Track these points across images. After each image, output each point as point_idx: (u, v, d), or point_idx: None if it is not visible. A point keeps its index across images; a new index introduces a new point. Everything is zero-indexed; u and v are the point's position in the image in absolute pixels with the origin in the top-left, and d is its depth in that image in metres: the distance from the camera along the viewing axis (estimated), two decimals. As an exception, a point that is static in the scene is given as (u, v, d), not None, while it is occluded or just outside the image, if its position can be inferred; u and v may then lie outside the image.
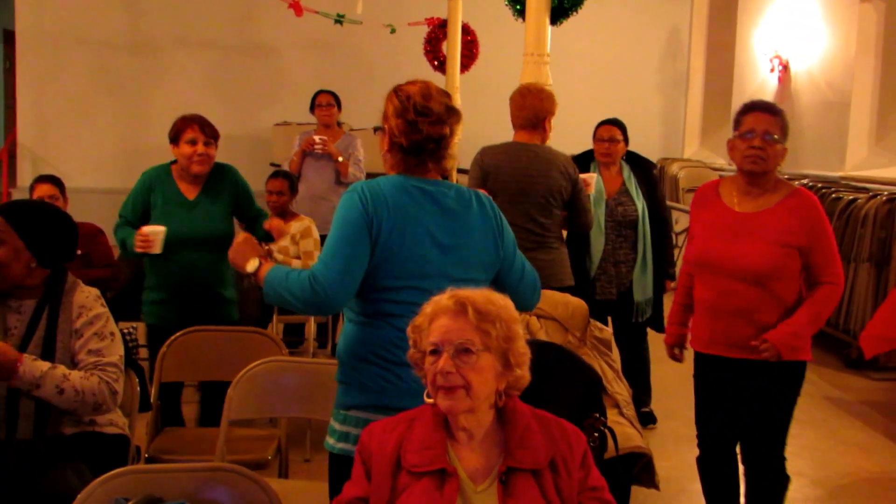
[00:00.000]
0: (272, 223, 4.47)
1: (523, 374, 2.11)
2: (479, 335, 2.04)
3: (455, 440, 2.09)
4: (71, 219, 3.26)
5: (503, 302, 2.13)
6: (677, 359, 3.68)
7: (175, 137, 4.25)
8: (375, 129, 2.59)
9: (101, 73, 11.19)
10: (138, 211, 4.27)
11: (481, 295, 2.11)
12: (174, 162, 4.35)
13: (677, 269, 4.94)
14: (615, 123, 5.20)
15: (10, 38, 12.15)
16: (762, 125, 3.28)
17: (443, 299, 2.11)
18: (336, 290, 2.45)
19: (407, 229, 2.55)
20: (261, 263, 2.62)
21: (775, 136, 3.28)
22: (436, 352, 2.05)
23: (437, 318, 2.08)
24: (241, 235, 2.78)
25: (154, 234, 4.07)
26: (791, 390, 3.38)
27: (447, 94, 2.69)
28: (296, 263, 5.59)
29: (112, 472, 2.39)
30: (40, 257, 3.04)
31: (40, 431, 2.94)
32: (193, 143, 4.22)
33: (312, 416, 3.55)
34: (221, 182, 4.39)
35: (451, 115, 2.62)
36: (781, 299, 3.30)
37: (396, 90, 2.64)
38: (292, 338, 6.08)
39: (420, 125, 2.57)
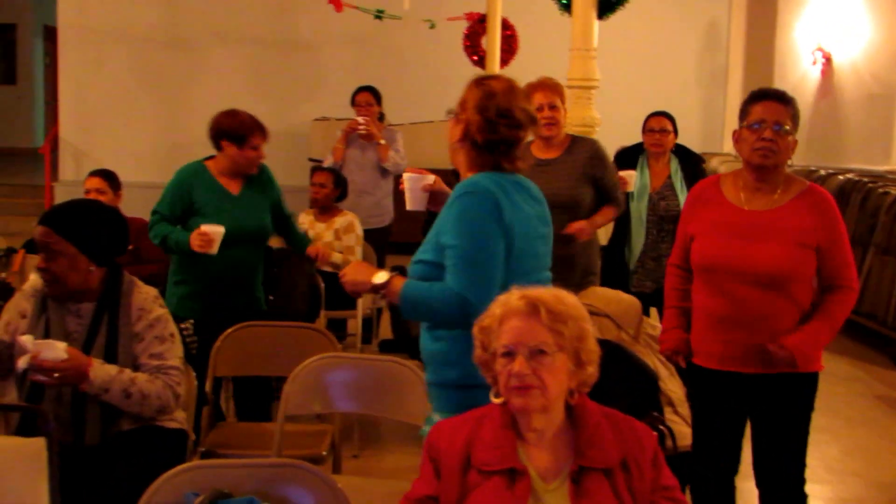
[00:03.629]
0: (316, 249, 4.60)
1: (594, 371, 2.11)
2: (553, 336, 2.03)
3: (524, 439, 2.09)
4: (116, 211, 3.27)
5: (572, 300, 2.12)
6: (680, 365, 3.35)
7: (240, 139, 4.23)
8: (449, 113, 2.59)
9: (141, 68, 11.27)
10: (177, 208, 4.25)
11: (551, 294, 2.10)
12: (208, 158, 4.36)
13: None
14: (665, 115, 5.19)
15: (51, 34, 12.24)
16: (773, 115, 3.02)
17: (512, 300, 2.10)
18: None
19: (523, 225, 2.56)
20: (390, 276, 2.59)
21: (786, 127, 3.02)
22: (508, 354, 2.05)
23: (507, 319, 2.07)
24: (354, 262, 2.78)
25: (215, 233, 4.06)
26: (808, 404, 3.15)
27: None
28: (337, 257, 5.61)
29: (180, 467, 2.41)
30: (95, 258, 3.05)
31: (107, 435, 2.96)
32: (256, 148, 4.26)
33: (366, 411, 3.57)
34: (259, 178, 4.42)
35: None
36: (798, 304, 3.07)
37: (480, 83, 2.63)
38: (335, 332, 6.10)
39: (499, 127, 2.57)
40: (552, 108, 4.37)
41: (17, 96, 16.51)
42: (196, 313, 4.20)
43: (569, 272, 4.18)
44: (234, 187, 4.32)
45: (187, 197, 4.26)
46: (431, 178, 2.85)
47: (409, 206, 2.86)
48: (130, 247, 3.73)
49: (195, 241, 4.06)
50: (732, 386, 3.15)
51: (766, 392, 3.12)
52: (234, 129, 4.23)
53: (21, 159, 14.43)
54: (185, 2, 11.25)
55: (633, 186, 4.95)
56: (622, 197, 4.67)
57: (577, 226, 4.27)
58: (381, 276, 2.58)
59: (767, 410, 3.14)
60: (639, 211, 4.96)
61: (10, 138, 16.08)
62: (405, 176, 2.83)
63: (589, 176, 4.42)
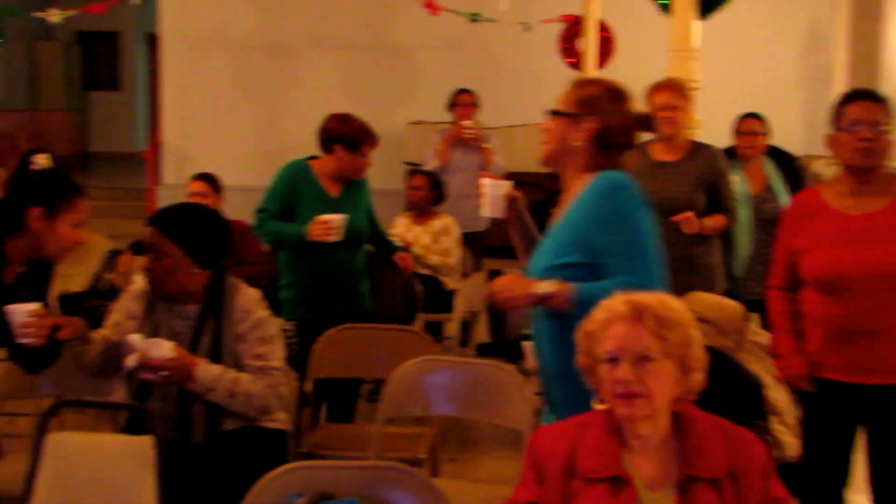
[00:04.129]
0: (402, 257, 4.74)
1: (700, 378, 2.07)
2: (658, 342, 1.99)
3: (629, 447, 2.06)
4: (220, 215, 3.33)
5: (678, 305, 2.08)
6: (807, 390, 3.19)
7: (354, 146, 4.29)
8: (569, 115, 2.53)
9: (240, 74, 11.48)
10: (283, 205, 4.31)
11: (656, 299, 2.07)
12: (311, 158, 4.42)
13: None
14: (755, 116, 5.10)
15: (154, 41, 12.55)
16: (868, 114, 2.97)
17: (616, 304, 2.06)
18: None
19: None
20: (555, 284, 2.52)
21: (885, 126, 2.97)
22: (612, 360, 2.02)
23: (611, 324, 2.04)
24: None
25: (335, 220, 4.12)
26: None
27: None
28: (434, 260, 5.64)
29: (283, 468, 2.45)
30: (199, 260, 3.11)
31: (212, 434, 3.02)
32: (366, 155, 4.33)
33: (464, 415, 3.57)
34: (357, 182, 4.48)
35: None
36: None
37: (611, 87, 2.62)
38: (432, 336, 6.10)
39: (632, 131, 2.59)
40: (673, 108, 4.35)
41: (121, 102, 16.98)
42: (299, 315, 4.27)
43: (690, 273, 4.20)
44: (334, 190, 4.38)
45: (291, 194, 4.31)
46: (508, 184, 2.80)
47: (488, 213, 2.78)
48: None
49: (315, 230, 4.10)
50: (850, 397, 3.07)
51: (888, 403, 3.04)
52: (350, 136, 4.29)
53: (125, 163, 14.82)
54: (282, 8, 11.42)
55: (736, 192, 4.86)
56: (736, 210, 4.61)
57: (685, 215, 4.25)
58: (545, 286, 2.50)
59: (888, 422, 3.06)
60: (742, 216, 4.87)
61: (115, 143, 16.56)
62: (488, 182, 2.79)
63: (706, 183, 4.37)
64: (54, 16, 9.42)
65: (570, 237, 2.55)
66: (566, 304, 2.46)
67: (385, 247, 4.79)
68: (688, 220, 4.25)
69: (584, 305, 2.34)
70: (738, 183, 4.94)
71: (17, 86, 15.49)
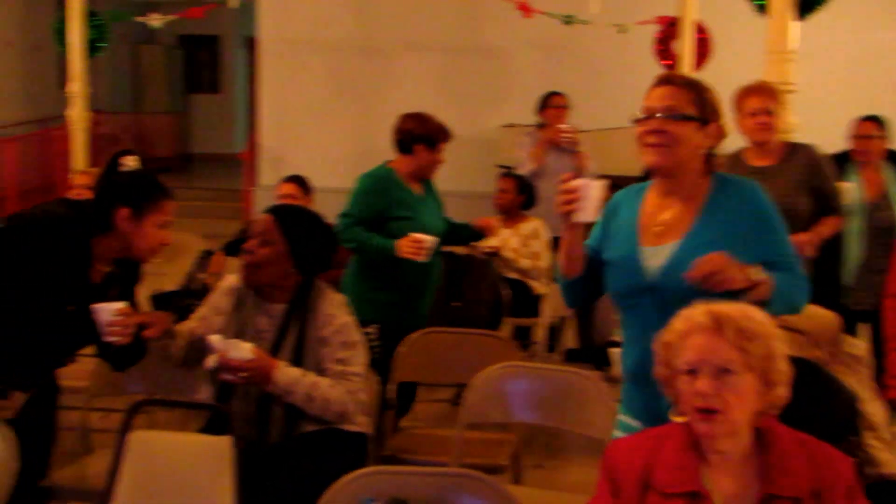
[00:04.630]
0: (483, 220, 4.56)
1: (784, 393, 2.00)
2: (739, 354, 1.93)
3: (707, 462, 1.99)
4: (332, 231, 3.34)
5: (761, 316, 2.01)
6: None
7: (432, 142, 4.32)
8: (699, 119, 2.44)
9: (336, 76, 11.59)
10: (371, 213, 4.31)
11: (738, 310, 2.00)
12: (389, 161, 4.43)
13: None
14: (872, 119, 4.91)
15: (252, 45, 12.76)
16: None
17: (696, 315, 2.00)
18: None
19: None
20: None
21: None
22: (691, 372, 1.96)
23: (690, 335, 1.98)
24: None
25: (428, 241, 4.13)
26: None
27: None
28: (524, 263, 5.59)
29: (358, 472, 2.44)
30: (299, 263, 3.14)
31: (290, 434, 3.04)
32: (441, 151, 4.35)
33: (547, 422, 3.52)
34: (429, 181, 4.52)
35: None
36: None
37: (707, 88, 2.56)
38: (519, 340, 6.07)
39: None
40: (767, 113, 4.23)
41: (221, 105, 17.34)
42: (382, 318, 4.27)
43: None
44: (417, 189, 4.40)
45: (382, 201, 4.31)
46: (603, 184, 2.59)
47: (587, 218, 2.57)
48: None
49: (406, 248, 4.11)
50: None
51: None
52: (430, 135, 4.32)
53: (223, 165, 15.12)
54: (378, 11, 11.50)
55: (849, 199, 4.70)
56: (842, 208, 4.45)
57: (802, 238, 4.03)
58: (757, 272, 2.39)
59: None
60: (852, 223, 4.71)
61: (214, 144, 16.90)
62: (593, 183, 2.59)
63: (807, 185, 4.23)
64: (156, 20, 9.65)
65: (731, 242, 2.44)
66: (767, 294, 2.39)
67: (461, 232, 4.76)
68: (805, 243, 4.07)
69: (779, 295, 2.37)
70: (853, 189, 4.78)
71: (121, 89, 15.93)
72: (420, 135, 4.32)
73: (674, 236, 2.51)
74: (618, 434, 2.57)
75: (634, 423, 2.52)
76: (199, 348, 3.11)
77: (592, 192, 2.53)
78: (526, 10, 9.25)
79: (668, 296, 2.39)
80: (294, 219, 3.22)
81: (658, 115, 2.48)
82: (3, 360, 2.95)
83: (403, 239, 4.14)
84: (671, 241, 2.51)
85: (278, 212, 3.23)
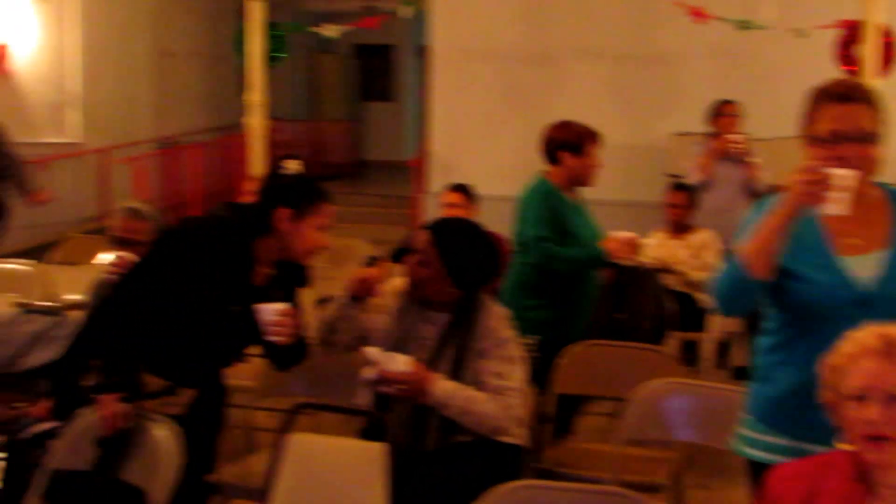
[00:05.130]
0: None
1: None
2: (914, 381, 1.81)
3: (876, 495, 1.87)
4: (495, 246, 3.32)
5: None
6: None
7: (576, 147, 4.26)
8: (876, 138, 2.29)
9: (505, 84, 11.62)
10: (555, 228, 4.24)
11: (911, 333, 1.87)
12: (543, 172, 4.38)
13: None
14: None
15: (424, 53, 12.95)
16: None
17: (866, 337, 1.89)
18: None
19: None
20: None
21: None
22: (860, 398, 1.84)
23: (860, 358, 1.87)
24: None
25: (636, 238, 4.10)
26: None
27: None
28: (697, 276, 5.44)
29: (512, 484, 2.43)
30: (457, 281, 3.15)
31: (445, 443, 3.04)
32: (591, 156, 4.28)
33: (707, 442, 3.40)
34: None
35: None
36: None
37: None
38: (686, 356, 5.91)
39: None
40: None
41: (393, 113, 17.67)
42: (542, 331, 4.23)
43: None
44: (574, 199, 4.36)
45: (556, 216, 4.28)
46: (856, 175, 2.34)
47: (841, 210, 2.32)
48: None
49: (619, 250, 4.07)
50: None
51: None
52: (571, 139, 4.26)
53: (394, 172, 15.39)
54: (548, 19, 11.47)
55: None
56: None
57: None
58: None
59: None
60: None
61: (386, 152, 17.24)
62: (846, 172, 2.31)
63: None
64: (331, 31, 9.91)
65: None
66: None
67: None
68: None
69: None
70: None
71: (298, 98, 16.45)
72: (563, 142, 4.28)
73: (875, 245, 2.41)
74: (756, 453, 2.51)
75: (781, 440, 2.43)
76: (360, 338, 3.21)
77: (847, 182, 2.31)
78: (699, 15, 9.03)
79: (882, 305, 2.31)
80: (452, 236, 3.20)
81: (848, 138, 2.36)
82: (169, 358, 3.07)
83: (610, 241, 4.09)
84: (875, 250, 2.40)
85: (436, 229, 3.23)
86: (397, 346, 3.10)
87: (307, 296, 3.58)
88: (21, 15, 11.11)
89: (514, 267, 4.42)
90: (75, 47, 11.86)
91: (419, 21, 12.46)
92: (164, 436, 2.87)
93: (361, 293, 3.28)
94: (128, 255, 3.57)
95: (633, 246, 4.06)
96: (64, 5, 11.48)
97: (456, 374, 3.06)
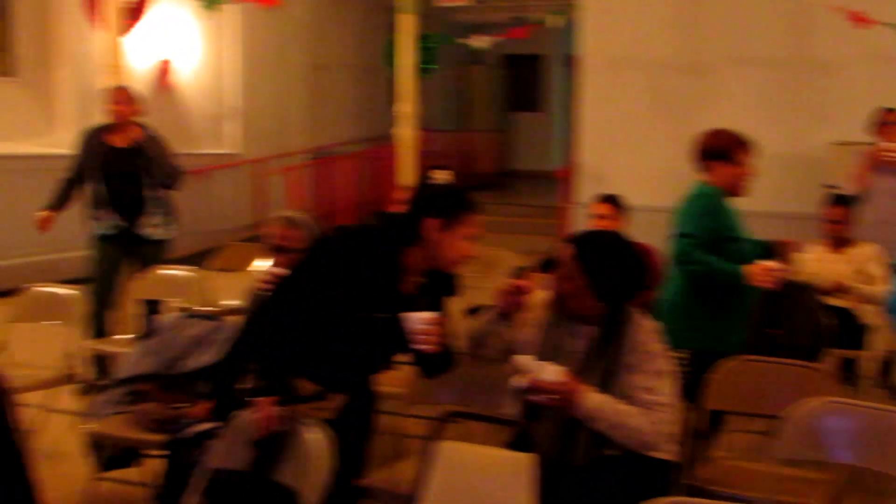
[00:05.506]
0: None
1: None
2: None
3: None
4: (642, 259, 3.27)
5: None
6: None
7: (723, 155, 4.18)
8: None
9: (657, 93, 11.46)
10: (709, 234, 4.16)
11: None
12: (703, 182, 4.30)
13: None
14: None
15: (572, 62, 12.90)
16: None
17: None
18: None
19: None
20: None
21: None
22: None
23: None
24: None
25: (779, 269, 4.03)
26: None
27: None
28: (866, 290, 5.24)
29: (662, 501, 2.39)
30: (602, 296, 3.11)
31: (592, 456, 3.01)
32: (743, 164, 4.19)
33: (868, 465, 3.26)
34: None
35: None
36: None
37: None
38: (845, 374, 5.69)
39: None
40: None
41: (541, 123, 17.68)
42: (700, 344, 4.16)
43: None
44: (733, 208, 4.26)
45: (717, 222, 4.21)
46: None
47: None
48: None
49: (759, 276, 4.00)
50: None
51: None
52: (721, 147, 4.18)
53: (541, 182, 15.38)
54: (702, 27, 11.25)
55: None
56: None
57: None
58: None
59: None
60: None
61: (533, 162, 17.26)
62: None
63: None
64: (480, 42, 10.00)
65: None
66: None
67: (761, 248, 4.53)
68: None
69: None
70: None
71: (447, 108, 16.64)
72: (714, 150, 4.19)
73: None
74: None
75: None
76: (510, 351, 3.19)
77: None
78: (860, 20, 8.72)
79: None
80: (596, 250, 3.15)
81: None
82: (321, 363, 3.15)
83: (754, 266, 4.01)
84: None
85: (580, 244, 3.19)
86: (545, 358, 3.08)
87: (456, 305, 3.61)
88: (184, 31, 11.61)
89: (672, 278, 4.36)
90: (234, 61, 12.33)
91: (568, 30, 12.43)
92: (316, 439, 2.93)
93: (509, 309, 3.28)
94: (279, 270, 3.67)
95: (774, 275, 3.94)
96: (224, 21, 11.94)
97: (604, 387, 3.03)
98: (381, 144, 12.82)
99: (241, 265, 7.37)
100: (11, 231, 9.33)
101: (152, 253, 6.08)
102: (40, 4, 10.48)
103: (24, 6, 10.41)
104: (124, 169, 6.00)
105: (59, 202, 6.10)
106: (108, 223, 6.03)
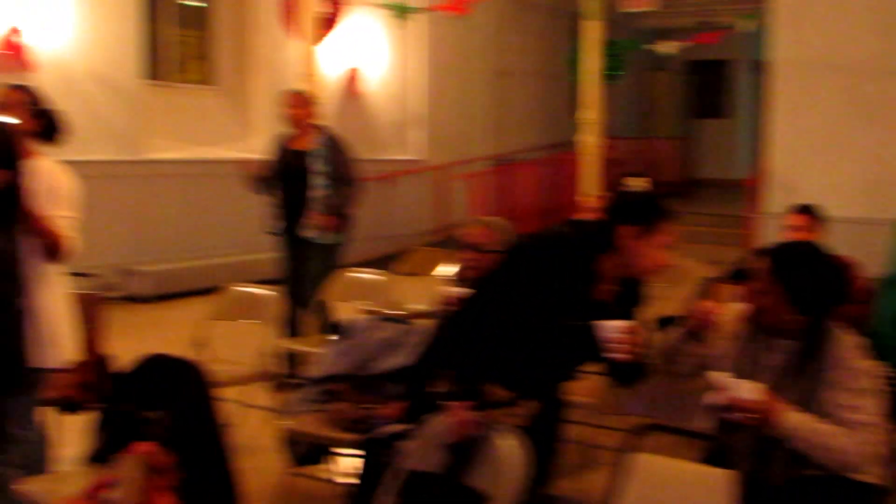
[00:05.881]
0: None
1: None
2: None
3: None
4: (840, 271, 3.13)
5: None
6: None
7: None
8: None
9: (854, 99, 10.97)
10: None
11: None
12: None
13: None
14: None
15: (760, 67, 12.52)
16: None
17: None
18: None
19: None
20: None
21: None
22: None
23: None
24: None
25: None
26: None
27: None
28: None
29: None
30: (800, 307, 3.00)
31: (790, 476, 2.90)
32: None
33: None
34: None
35: None
36: None
37: None
38: None
39: None
40: None
41: (726, 130, 17.23)
42: None
43: None
44: None
45: None
46: None
47: None
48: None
49: None
50: None
51: None
52: None
53: (726, 190, 14.98)
54: (903, 29, 10.73)
55: None
56: None
57: None
58: None
59: None
60: None
61: (717, 170, 16.84)
62: None
63: None
64: (668, 47, 9.84)
65: None
66: None
67: None
68: None
69: None
70: None
71: (631, 115, 16.45)
72: None
73: None
74: None
75: None
76: (702, 367, 3.11)
77: None
78: None
79: None
80: (793, 262, 3.03)
81: None
82: (513, 369, 3.16)
83: None
84: None
85: (776, 256, 3.08)
86: (740, 373, 2.99)
87: (643, 314, 3.55)
88: (372, 40, 11.90)
89: (888, 295, 4.17)
90: (420, 69, 12.55)
91: (756, 35, 12.06)
92: (510, 445, 2.94)
93: (699, 329, 3.20)
94: (463, 291, 3.67)
95: None
96: (410, 30, 12.17)
97: (804, 405, 2.91)
98: (562, 151, 12.79)
99: (426, 270, 7.50)
100: (210, 232, 9.80)
101: (321, 256, 6.18)
102: (238, 16, 10.98)
103: (224, 18, 10.93)
104: (296, 171, 6.15)
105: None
106: (282, 225, 6.23)
